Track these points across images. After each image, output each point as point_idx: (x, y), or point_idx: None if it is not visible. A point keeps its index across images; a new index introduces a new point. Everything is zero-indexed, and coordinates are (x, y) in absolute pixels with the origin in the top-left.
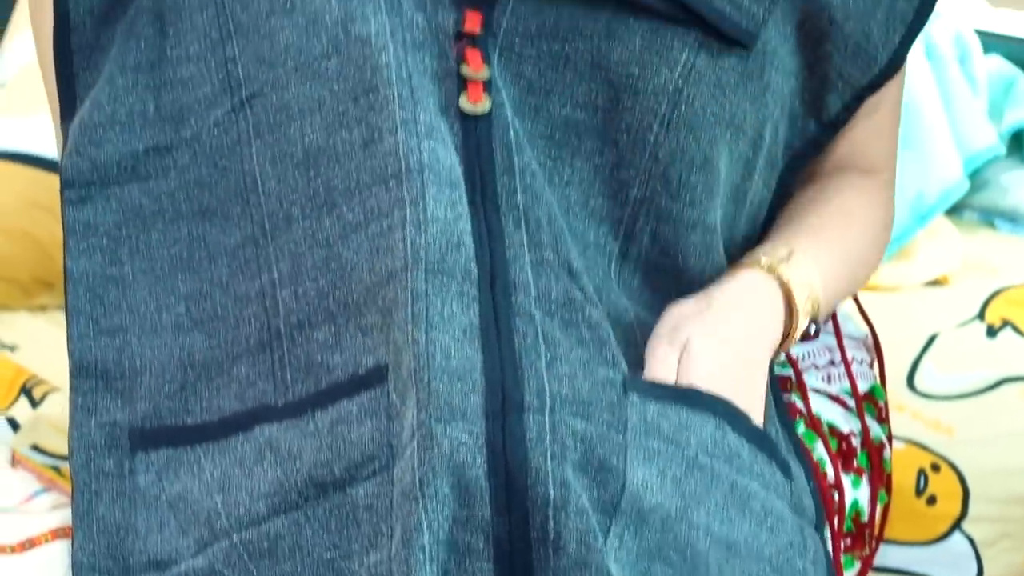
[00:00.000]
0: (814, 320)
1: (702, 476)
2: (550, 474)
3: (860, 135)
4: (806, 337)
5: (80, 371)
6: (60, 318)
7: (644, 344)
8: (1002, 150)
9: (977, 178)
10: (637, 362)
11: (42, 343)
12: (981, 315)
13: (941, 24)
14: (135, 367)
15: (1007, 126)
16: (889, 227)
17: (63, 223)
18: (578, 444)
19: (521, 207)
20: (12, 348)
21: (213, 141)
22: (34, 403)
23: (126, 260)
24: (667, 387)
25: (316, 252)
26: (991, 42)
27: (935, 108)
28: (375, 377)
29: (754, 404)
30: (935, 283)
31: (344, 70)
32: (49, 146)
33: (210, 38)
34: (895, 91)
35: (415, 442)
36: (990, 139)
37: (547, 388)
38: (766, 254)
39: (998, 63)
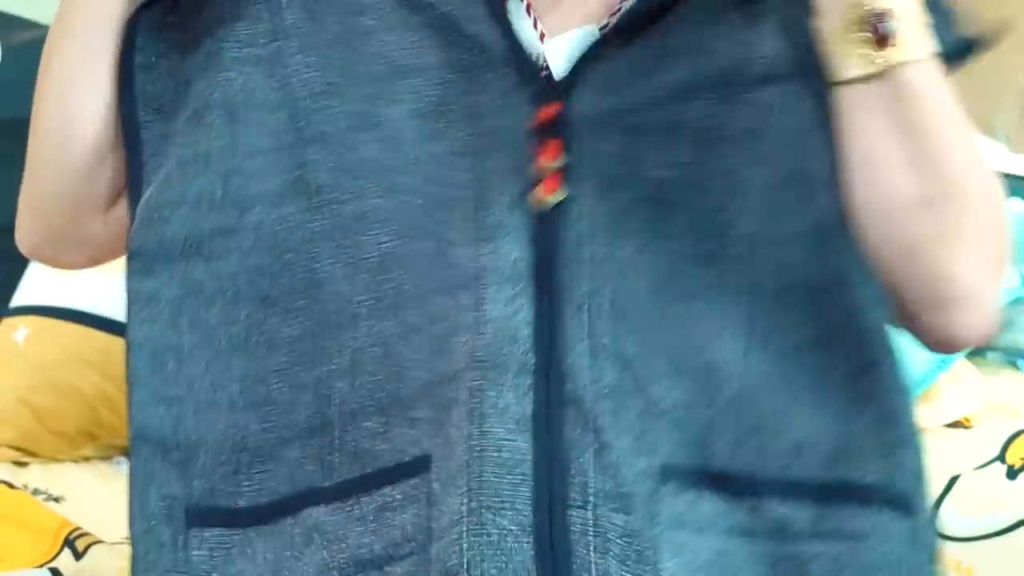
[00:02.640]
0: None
1: (731, 562)
2: (593, 564)
3: None
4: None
5: (140, 438)
6: (105, 469)
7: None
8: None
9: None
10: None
11: (87, 495)
12: (1002, 456)
13: None
14: (190, 441)
15: None
16: (1006, 227)
17: (127, 292)
18: (619, 538)
19: (584, 295)
20: (58, 499)
21: (280, 233)
22: (77, 555)
23: (185, 332)
24: (703, 474)
25: (376, 349)
26: (1013, 185)
27: None
28: (419, 466)
29: None
30: (956, 425)
31: (421, 185)
32: (94, 303)
33: (284, 138)
34: None
35: (463, 527)
36: (1012, 281)
37: (589, 483)
38: None
39: (1020, 206)
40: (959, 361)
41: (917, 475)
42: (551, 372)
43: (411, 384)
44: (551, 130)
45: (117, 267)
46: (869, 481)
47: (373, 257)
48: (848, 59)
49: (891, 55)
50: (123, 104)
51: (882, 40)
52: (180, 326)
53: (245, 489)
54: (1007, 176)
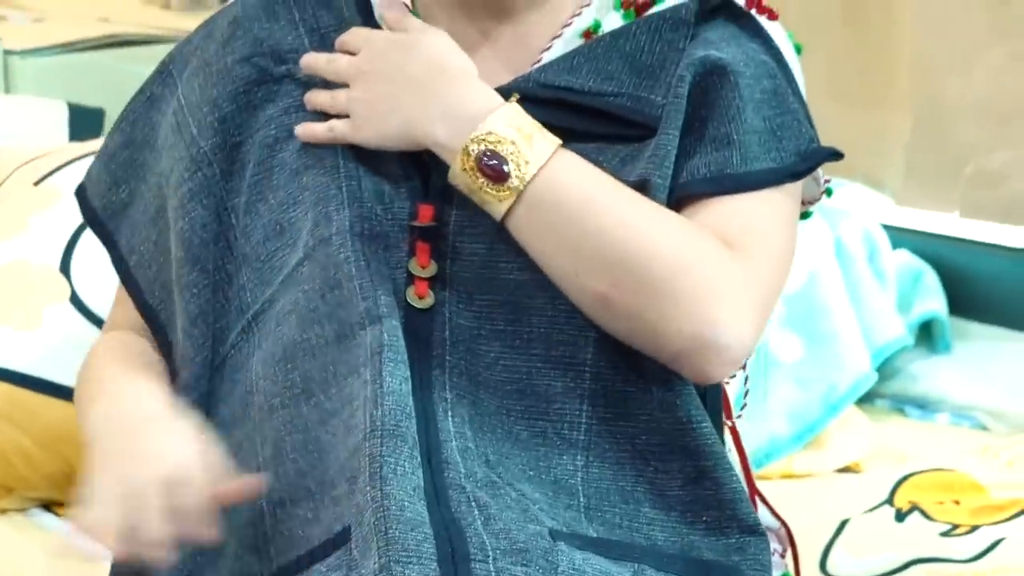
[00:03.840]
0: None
1: None
2: None
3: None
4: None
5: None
6: (21, 521)
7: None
8: (910, 341)
9: (887, 367)
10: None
11: (3, 546)
12: (890, 500)
13: (850, 223)
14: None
15: (916, 316)
16: (697, 269)
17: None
18: None
19: (449, 402)
20: None
21: (232, 362)
22: None
23: None
24: (587, 538)
25: (295, 436)
26: (899, 237)
27: (843, 306)
28: (341, 539)
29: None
30: (846, 470)
31: (313, 271)
32: (9, 360)
33: (226, 271)
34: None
35: None
36: (898, 331)
37: (486, 542)
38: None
39: (906, 257)
40: (849, 408)
41: (762, 565)
42: (433, 459)
43: (333, 465)
44: (425, 233)
45: (32, 325)
46: (726, 564)
47: (279, 349)
48: (489, 203)
49: (513, 182)
50: (137, 300)
51: (500, 176)
52: None
53: None
54: (894, 228)
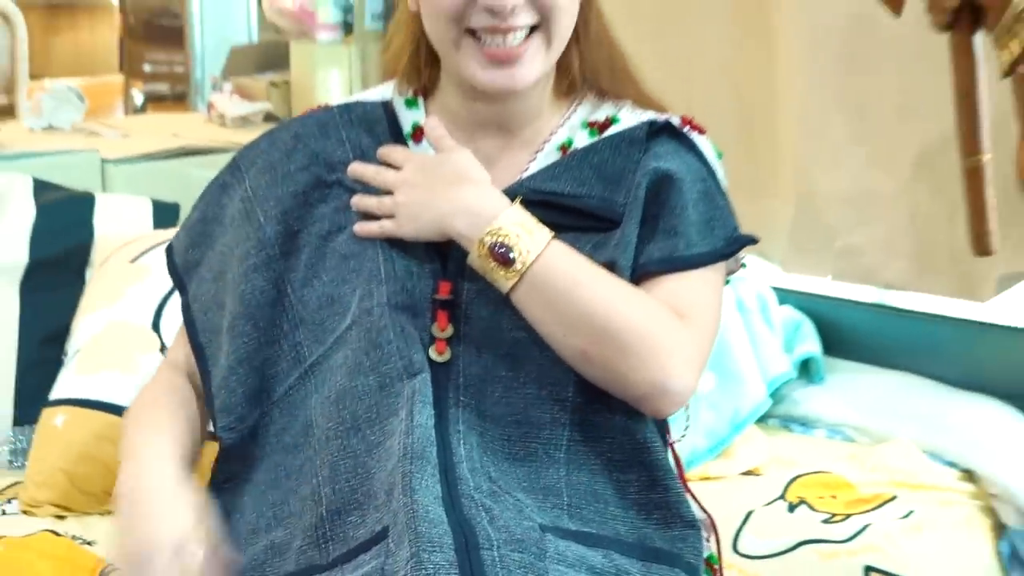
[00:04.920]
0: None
1: None
2: None
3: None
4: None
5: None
6: None
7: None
8: (794, 374)
9: (777, 395)
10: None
11: (113, 539)
12: (783, 496)
13: (747, 285)
14: (240, 543)
15: (797, 355)
16: (656, 334)
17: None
18: (518, 568)
19: (461, 432)
20: (91, 543)
21: (290, 400)
22: None
23: (240, 495)
24: (568, 531)
25: (347, 461)
26: (785, 295)
27: (744, 347)
28: (381, 535)
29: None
30: (749, 473)
31: (359, 334)
32: (111, 395)
33: (282, 328)
34: (699, 282)
35: (408, 566)
36: (785, 367)
37: (492, 535)
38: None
39: (790, 311)
40: (750, 427)
41: (698, 551)
42: (449, 475)
43: (376, 483)
44: (444, 303)
45: (131, 370)
46: (672, 551)
47: (333, 393)
48: (498, 281)
49: (517, 266)
50: (192, 337)
51: (507, 262)
52: (240, 491)
53: (268, 571)
54: (781, 289)
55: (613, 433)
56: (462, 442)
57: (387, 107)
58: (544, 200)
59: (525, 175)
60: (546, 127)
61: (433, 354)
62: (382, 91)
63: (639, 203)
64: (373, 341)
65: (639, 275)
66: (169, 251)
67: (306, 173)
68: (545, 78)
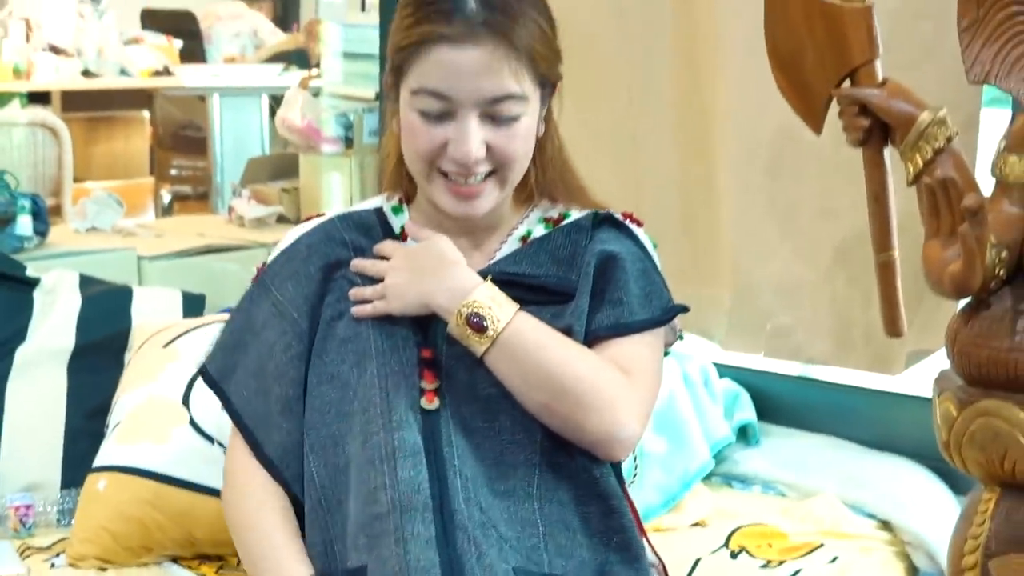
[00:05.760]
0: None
1: None
2: None
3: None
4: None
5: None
6: (157, 571)
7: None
8: (733, 438)
9: (719, 456)
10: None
11: None
12: (727, 544)
13: (692, 362)
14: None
15: (736, 422)
16: (606, 389)
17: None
18: None
19: (456, 467)
20: None
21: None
22: None
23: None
24: (540, 574)
25: (341, 508)
26: (724, 370)
27: (690, 415)
28: (358, 573)
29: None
30: (697, 524)
31: (352, 398)
32: (149, 463)
33: (288, 450)
34: (641, 347)
35: None
36: (725, 432)
37: (477, 574)
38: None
39: (729, 383)
40: (697, 484)
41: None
42: (444, 510)
43: (353, 524)
44: (428, 363)
45: (164, 440)
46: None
47: (342, 460)
48: (473, 346)
49: (490, 332)
50: (242, 428)
51: (481, 329)
52: None
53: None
54: (721, 364)
55: (575, 472)
56: (458, 475)
57: (379, 213)
58: (510, 280)
59: (491, 262)
60: (508, 225)
61: (425, 403)
62: (375, 201)
63: (589, 279)
64: (364, 403)
65: (590, 339)
66: (203, 369)
67: (320, 273)
68: (503, 200)
